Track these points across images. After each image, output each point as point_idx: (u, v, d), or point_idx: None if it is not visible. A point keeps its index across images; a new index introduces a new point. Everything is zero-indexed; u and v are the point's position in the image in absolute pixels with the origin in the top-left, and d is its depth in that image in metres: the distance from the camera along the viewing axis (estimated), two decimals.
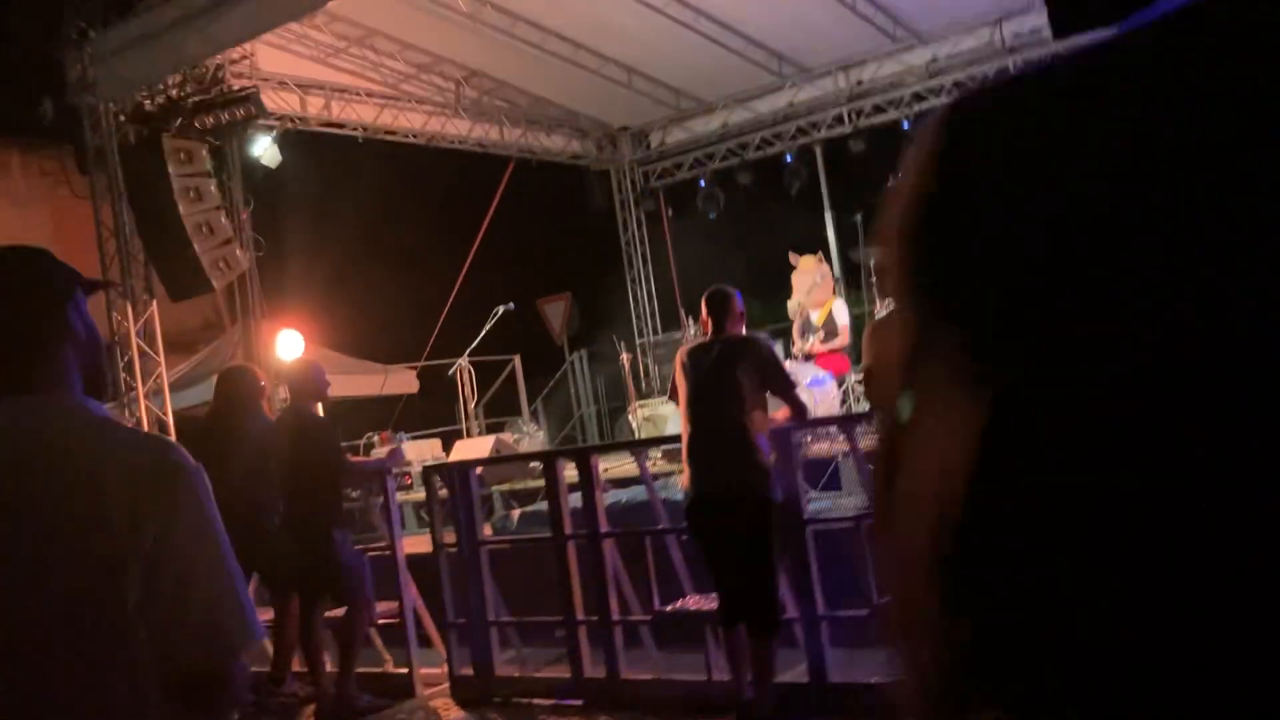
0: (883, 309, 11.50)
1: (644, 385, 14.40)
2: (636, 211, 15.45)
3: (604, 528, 5.76)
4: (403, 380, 14.19)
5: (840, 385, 9.88)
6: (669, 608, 5.72)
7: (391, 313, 14.08)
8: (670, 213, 15.32)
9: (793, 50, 13.33)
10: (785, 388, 5.20)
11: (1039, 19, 12.62)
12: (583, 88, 13.42)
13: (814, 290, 10.05)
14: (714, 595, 5.39)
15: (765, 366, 5.16)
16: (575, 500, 6.16)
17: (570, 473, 6.10)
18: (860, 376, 11.05)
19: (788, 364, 9.89)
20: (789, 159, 14.16)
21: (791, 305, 10.12)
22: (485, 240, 14.23)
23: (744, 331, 5.30)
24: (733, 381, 5.04)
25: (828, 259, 13.53)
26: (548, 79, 13.21)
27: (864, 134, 13.69)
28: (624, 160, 15.32)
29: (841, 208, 13.98)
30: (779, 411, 5.24)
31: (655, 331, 15.28)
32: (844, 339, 10.07)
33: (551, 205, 14.87)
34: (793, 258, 10.31)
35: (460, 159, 13.88)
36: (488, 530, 7.57)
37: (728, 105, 14.42)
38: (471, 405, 11.39)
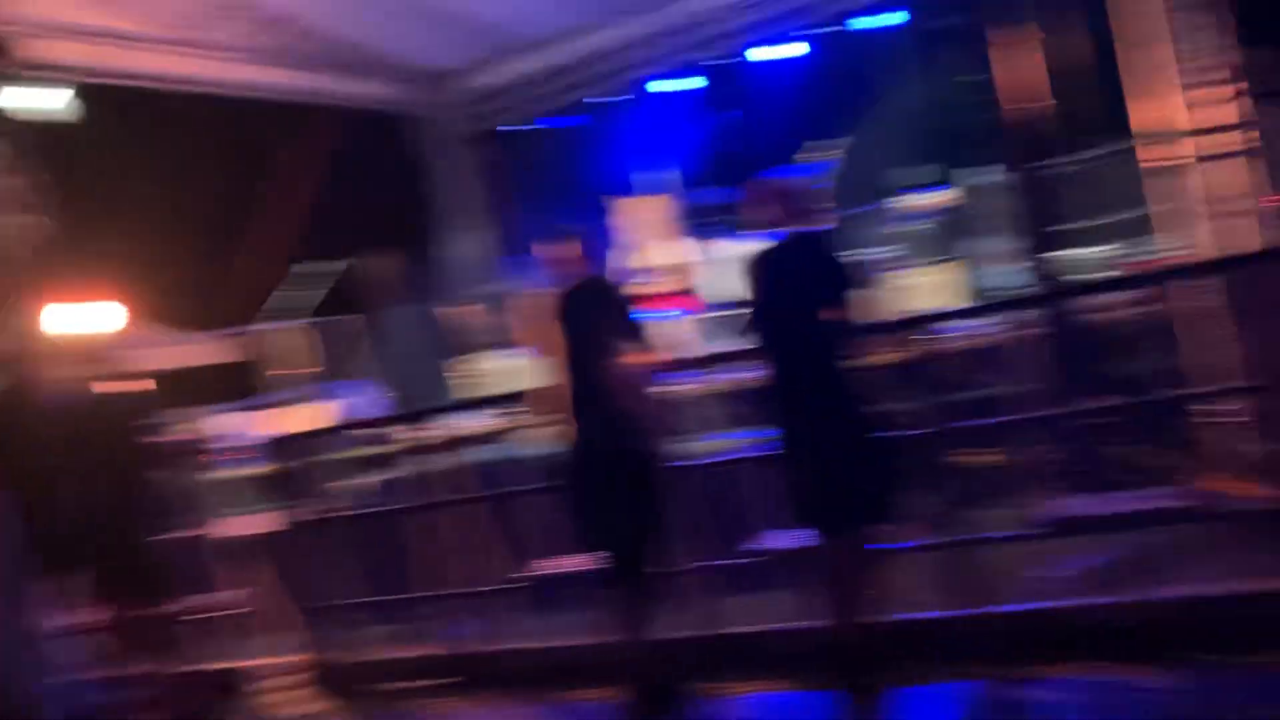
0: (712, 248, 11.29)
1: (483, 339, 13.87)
2: (460, 161, 14.77)
3: (475, 491, 5.34)
4: (233, 347, 13.25)
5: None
6: (545, 571, 5.35)
7: (219, 279, 13.07)
8: (500, 159, 14.69)
9: None
10: (635, 330, 4.90)
11: None
12: (395, 26, 12.63)
13: (658, 231, 9.75)
14: (588, 556, 5.06)
15: (619, 310, 4.85)
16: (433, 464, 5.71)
17: (426, 434, 5.63)
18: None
19: None
20: (620, 99, 13.74)
21: (629, 252, 9.79)
22: (312, 199, 13.38)
23: (599, 273, 4.96)
24: (597, 328, 4.69)
25: None
26: (352, 17, 12.33)
27: (696, 70, 13.38)
28: (445, 105, 14.58)
29: (675, 149, 13.71)
30: (633, 355, 4.93)
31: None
32: (687, 278, 9.80)
33: (374, 158, 14.04)
34: (624, 202, 9.98)
35: (264, 110, 12.92)
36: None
37: (556, 42, 13.83)
38: (316, 370, 10.69)
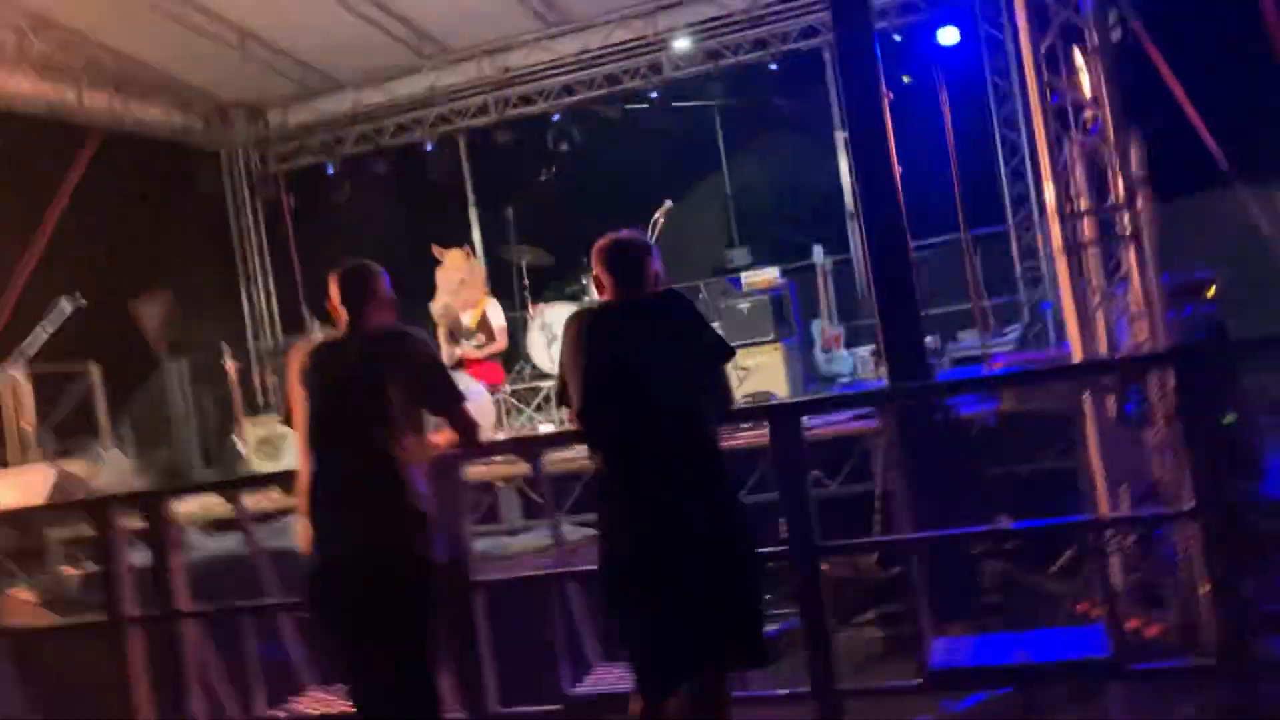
0: (535, 313, 10.19)
1: (260, 400, 12.30)
2: (253, 200, 13.25)
3: (182, 604, 3.96)
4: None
5: (493, 396, 8.44)
6: (279, 712, 4.01)
7: None
8: (293, 202, 13.22)
9: (435, 27, 11.78)
10: (450, 400, 3.68)
11: (692, 11, 11.92)
12: (186, 50, 11.17)
13: (463, 289, 8.54)
14: (344, 691, 3.75)
15: (423, 372, 3.61)
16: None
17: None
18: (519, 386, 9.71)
19: None
20: (430, 147, 12.56)
21: (436, 307, 8.55)
22: (62, 227, 11.52)
23: (394, 322, 3.72)
24: (377, 394, 3.45)
25: (504, 255, 12.11)
26: (140, 35, 10.86)
27: (511, 125, 12.36)
28: (237, 141, 13.07)
29: (487, 203, 12.57)
30: (441, 434, 3.70)
31: (274, 337, 13.14)
32: (500, 342, 8.62)
33: (148, 189, 12.33)
34: (437, 251, 8.75)
35: (32, 126, 11.13)
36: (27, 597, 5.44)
37: (360, 85, 12.60)
38: (29, 427, 8.93)
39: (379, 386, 3.44)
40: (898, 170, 5.44)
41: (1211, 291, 5.65)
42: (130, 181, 12.18)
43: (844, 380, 9.69)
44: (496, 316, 8.63)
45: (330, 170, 12.85)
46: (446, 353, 8.56)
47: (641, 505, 3.23)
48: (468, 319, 8.63)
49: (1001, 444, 5.68)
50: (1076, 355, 5.03)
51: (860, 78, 5.39)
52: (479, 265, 8.72)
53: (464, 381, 7.77)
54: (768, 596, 3.36)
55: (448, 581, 3.58)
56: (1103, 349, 5.29)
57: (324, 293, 3.75)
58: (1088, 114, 5.40)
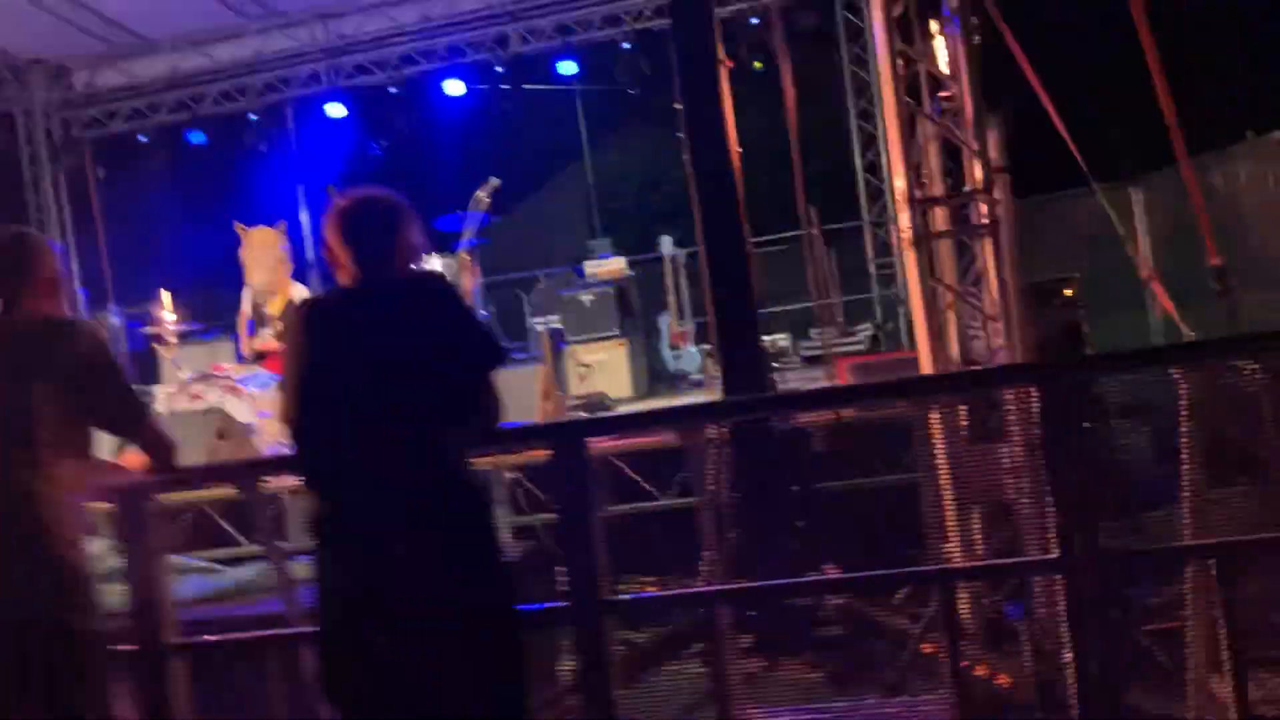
0: None
1: None
2: (52, 169, 11.90)
3: None
4: None
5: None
6: None
7: None
8: (101, 173, 11.95)
9: None
10: (129, 414, 2.82)
11: None
12: None
13: (275, 272, 7.57)
14: None
15: (90, 376, 2.73)
16: None
17: None
18: None
19: (230, 368, 7.38)
20: (252, 118, 11.46)
21: (253, 286, 7.58)
22: None
23: (62, 311, 2.83)
24: (22, 411, 2.57)
25: (300, 239, 11.11)
26: None
27: (344, 95, 11.35)
28: (35, 102, 11.71)
29: (316, 178, 11.54)
30: (129, 457, 2.84)
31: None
32: None
33: None
34: (239, 229, 7.75)
35: None
36: None
37: (178, 47, 11.40)
38: None
39: (23, 399, 2.56)
40: (737, 159, 4.77)
41: (1071, 291, 5.15)
42: None
43: (693, 378, 9.04)
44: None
45: (143, 139, 11.62)
46: (245, 343, 7.60)
47: (366, 557, 2.43)
48: (271, 306, 7.67)
49: (842, 454, 5.07)
50: (924, 360, 4.45)
51: (696, 54, 4.70)
52: (287, 245, 7.75)
53: (254, 375, 6.87)
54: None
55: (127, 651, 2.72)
56: (954, 352, 4.72)
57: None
58: (944, 94, 4.83)
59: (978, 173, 4.56)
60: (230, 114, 11.52)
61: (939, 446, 4.02)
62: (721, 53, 4.71)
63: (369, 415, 2.48)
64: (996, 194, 4.65)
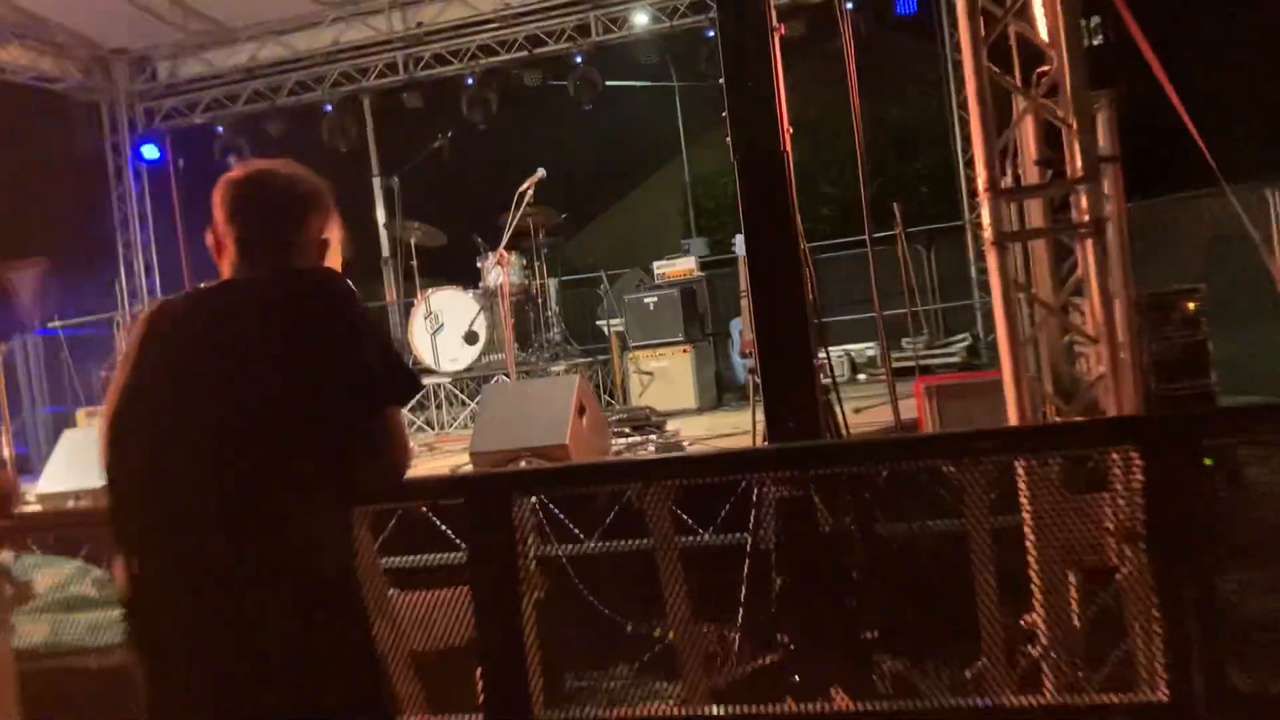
0: (421, 299, 8.72)
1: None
2: (134, 158, 11.69)
3: None
4: None
5: None
6: None
7: None
8: (181, 163, 11.69)
9: None
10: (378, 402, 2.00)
11: None
12: None
13: None
14: None
15: (346, 349, 1.95)
16: None
17: None
18: None
19: None
20: (328, 109, 11.04)
21: None
22: None
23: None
24: (266, 420, 1.92)
25: (375, 232, 10.68)
26: None
27: (420, 87, 10.85)
28: (119, 91, 11.51)
29: (393, 171, 11.08)
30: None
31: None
32: None
33: (16, 139, 10.81)
34: None
35: None
36: None
37: (257, 36, 11.07)
38: None
39: (264, 397, 1.92)
40: (787, 139, 3.99)
41: (1194, 306, 4.24)
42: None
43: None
44: None
45: (220, 130, 11.32)
46: None
47: (182, 649, 1.77)
48: None
49: (907, 492, 4.25)
50: (1006, 385, 3.61)
51: (743, 11, 3.94)
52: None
53: None
54: None
55: None
56: (1046, 380, 3.87)
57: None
58: (1042, 69, 3.96)
59: (1079, 159, 3.69)
60: (307, 105, 11.13)
61: (1025, 494, 3.20)
62: (774, 19, 3.95)
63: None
64: (1105, 185, 3.79)
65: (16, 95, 10.67)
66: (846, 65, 4.75)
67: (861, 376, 9.11)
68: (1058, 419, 3.57)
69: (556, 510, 4.69)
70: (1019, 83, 3.81)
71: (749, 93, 3.89)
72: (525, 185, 5.84)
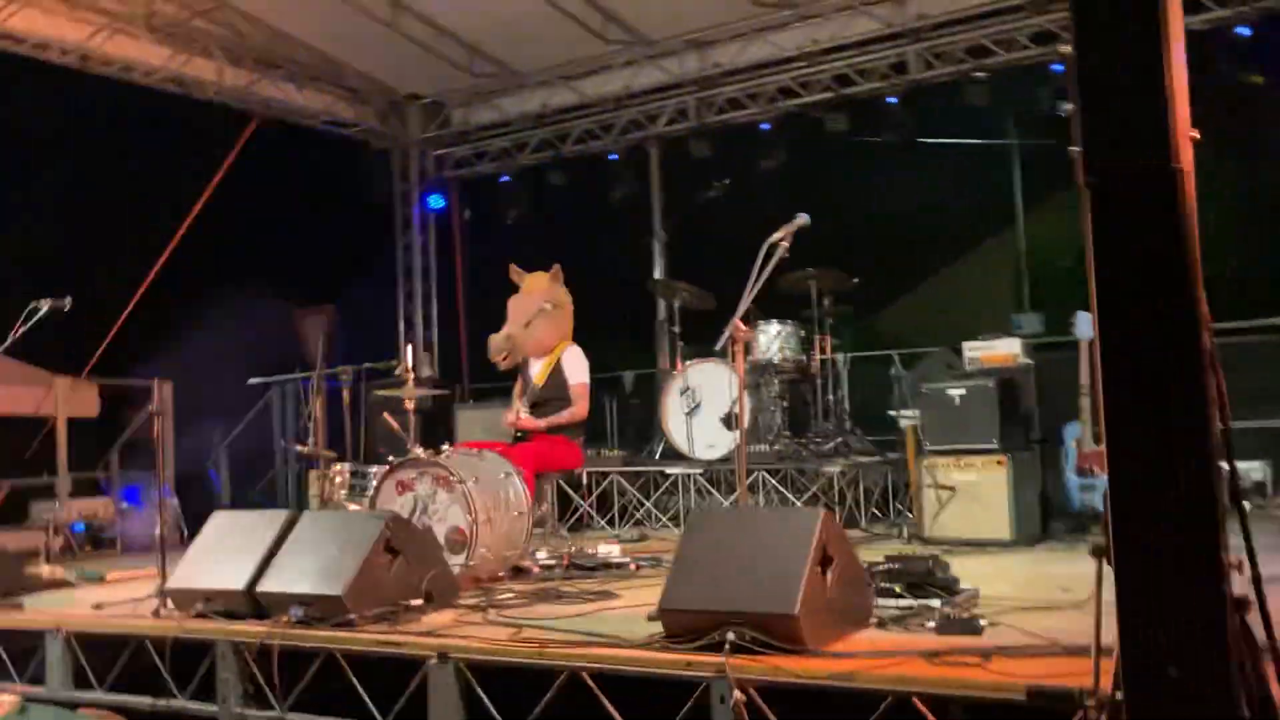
0: (679, 371, 7.30)
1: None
2: (422, 210, 11.17)
3: None
4: (79, 398, 9.55)
5: (540, 495, 5.59)
6: None
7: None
8: (467, 214, 11.05)
9: (634, 12, 9.22)
10: None
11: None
12: (354, 30, 9.24)
13: (538, 324, 5.81)
14: None
15: None
16: None
17: None
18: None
19: (451, 453, 5.59)
20: (613, 157, 9.98)
21: (496, 340, 5.90)
22: (204, 219, 9.89)
23: None
24: None
25: (652, 290, 9.39)
26: (302, 10, 9.05)
27: (710, 134, 9.56)
28: (411, 139, 11.04)
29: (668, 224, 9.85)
30: None
31: (433, 365, 10.94)
32: (578, 408, 5.80)
33: (305, 184, 10.55)
34: (515, 274, 6.10)
35: (189, 109, 9.57)
36: None
37: (547, 82, 10.23)
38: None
39: None
40: (1188, 151, 2.19)
41: None
42: (286, 175, 10.42)
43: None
44: (576, 370, 5.82)
45: (505, 178, 10.55)
46: (510, 412, 5.86)
47: None
48: (537, 368, 5.89)
49: None
50: None
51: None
52: (567, 297, 5.98)
53: (490, 463, 5.05)
54: None
55: None
56: None
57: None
58: None
59: None
60: (592, 154, 10.13)
61: None
62: None
63: None
64: None
65: (307, 140, 10.40)
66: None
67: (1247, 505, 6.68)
68: None
69: None
70: None
71: (1114, 63, 2.14)
72: (779, 234, 4.30)
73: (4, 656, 4.64)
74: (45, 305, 6.38)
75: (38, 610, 4.79)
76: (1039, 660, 3.01)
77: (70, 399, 9.13)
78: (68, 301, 6.34)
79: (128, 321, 9.79)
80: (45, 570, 5.57)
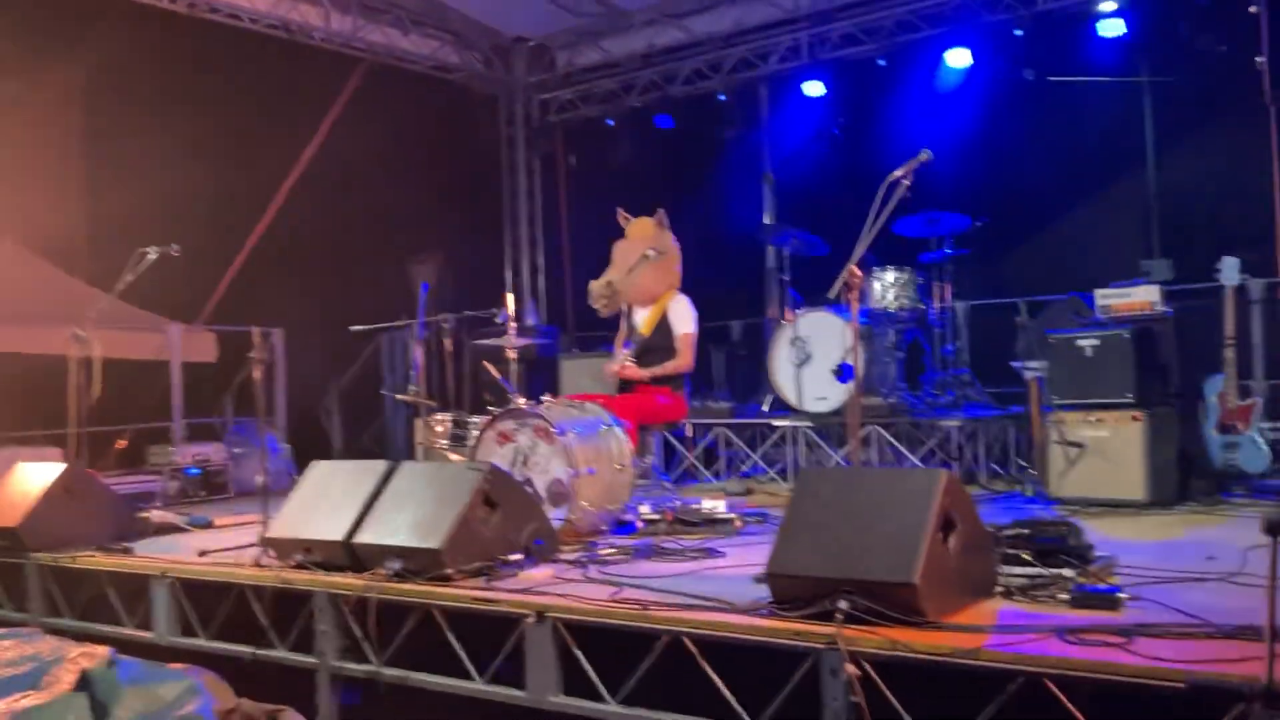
0: (787, 321, 7.01)
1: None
2: (528, 153, 11.01)
3: None
4: (196, 344, 9.72)
5: (644, 447, 5.40)
6: None
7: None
8: (573, 160, 10.84)
9: None
10: None
11: None
12: None
13: (641, 271, 5.60)
14: None
15: None
16: None
17: None
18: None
19: (553, 403, 5.42)
20: (722, 98, 9.63)
21: (597, 286, 5.71)
22: (315, 167, 9.90)
23: None
24: None
25: (760, 239, 9.07)
26: None
27: (824, 71, 9.13)
28: (517, 83, 10.85)
29: (777, 166, 9.46)
30: None
31: (537, 313, 10.85)
32: (683, 359, 5.59)
33: (412, 131, 10.45)
34: (622, 218, 5.88)
35: (297, 53, 9.54)
36: None
37: (654, 21, 9.91)
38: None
39: None
40: None
41: None
42: (393, 122, 10.33)
43: (1260, 481, 5.63)
44: (682, 320, 5.59)
45: (610, 122, 10.29)
46: (614, 359, 5.68)
47: None
48: (641, 316, 5.68)
49: None
50: None
51: None
52: (673, 244, 5.73)
53: (591, 415, 4.88)
54: None
55: None
56: None
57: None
58: None
59: None
60: (700, 94, 9.80)
61: None
62: None
63: None
64: None
65: (413, 84, 10.25)
66: None
67: None
68: None
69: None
70: None
71: None
72: (900, 171, 3.97)
73: (116, 601, 4.69)
74: (154, 252, 6.48)
75: (147, 555, 4.82)
76: (1190, 643, 2.70)
77: (187, 345, 9.27)
78: (175, 248, 6.42)
79: (242, 269, 9.89)
80: (155, 515, 5.63)
